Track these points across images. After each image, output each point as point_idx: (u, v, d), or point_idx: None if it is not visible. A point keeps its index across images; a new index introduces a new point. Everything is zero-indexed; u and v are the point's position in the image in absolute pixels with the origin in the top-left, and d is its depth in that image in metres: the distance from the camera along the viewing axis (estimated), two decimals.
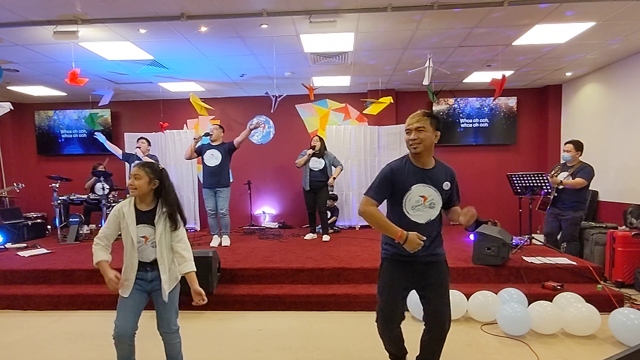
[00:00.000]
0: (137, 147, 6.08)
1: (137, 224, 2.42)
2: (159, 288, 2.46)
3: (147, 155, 5.97)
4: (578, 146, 4.89)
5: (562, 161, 5.06)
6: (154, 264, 2.46)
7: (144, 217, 2.43)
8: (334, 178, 6.03)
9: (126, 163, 6.50)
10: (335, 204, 7.02)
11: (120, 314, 2.50)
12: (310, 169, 5.92)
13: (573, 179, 4.73)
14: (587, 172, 4.72)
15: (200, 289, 2.45)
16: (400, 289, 2.43)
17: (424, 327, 2.46)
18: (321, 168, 5.92)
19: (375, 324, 2.55)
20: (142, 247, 2.43)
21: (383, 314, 2.47)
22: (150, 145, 6.13)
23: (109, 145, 6.24)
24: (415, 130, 2.27)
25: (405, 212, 2.32)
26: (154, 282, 2.48)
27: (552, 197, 4.87)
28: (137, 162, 2.77)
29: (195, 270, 2.47)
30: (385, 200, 2.40)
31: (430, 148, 2.31)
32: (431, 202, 2.30)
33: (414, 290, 2.49)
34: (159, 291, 2.46)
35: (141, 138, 6.08)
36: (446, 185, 2.32)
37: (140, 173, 2.41)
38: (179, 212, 2.50)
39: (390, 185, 2.34)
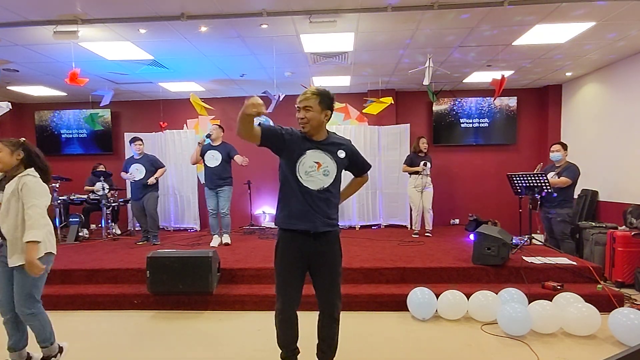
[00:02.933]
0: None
1: None
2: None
3: (143, 156, 5.91)
4: (565, 146, 5.09)
5: (554, 161, 5.13)
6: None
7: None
8: None
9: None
10: None
11: None
12: None
13: (559, 178, 4.85)
14: (572, 171, 4.86)
15: (36, 262, 2.36)
16: (295, 266, 2.34)
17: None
18: None
19: (275, 312, 2.46)
20: None
21: (281, 293, 2.39)
22: (142, 144, 5.97)
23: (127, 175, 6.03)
24: (303, 109, 2.25)
25: (298, 177, 2.27)
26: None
27: (539, 196, 4.92)
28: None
29: (32, 240, 2.36)
30: (279, 169, 2.36)
31: (320, 126, 2.28)
32: (325, 170, 2.28)
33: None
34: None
35: (138, 139, 5.95)
36: (340, 153, 2.31)
37: None
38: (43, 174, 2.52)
39: (281, 138, 2.26)
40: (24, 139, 2.63)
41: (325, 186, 2.28)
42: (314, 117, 2.24)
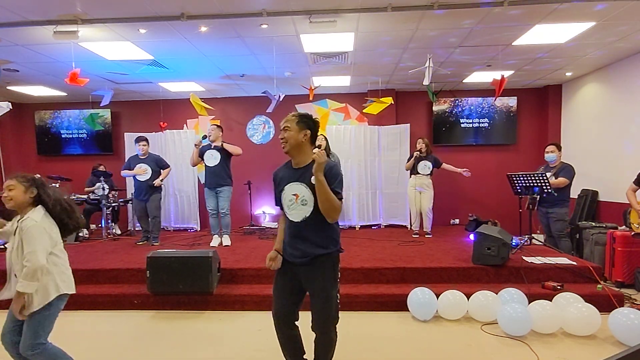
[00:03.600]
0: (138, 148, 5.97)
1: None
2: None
3: (149, 156, 5.90)
4: (559, 147, 5.17)
5: (549, 162, 5.18)
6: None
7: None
8: None
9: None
10: None
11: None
12: None
13: (556, 178, 4.91)
14: (568, 171, 4.94)
15: (20, 313, 2.20)
16: (285, 289, 2.42)
17: None
18: None
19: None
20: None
21: (273, 311, 2.47)
22: (148, 144, 5.95)
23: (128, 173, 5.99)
24: (282, 129, 2.34)
25: (286, 212, 2.38)
26: None
27: (538, 197, 4.95)
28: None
29: (20, 291, 2.19)
30: None
31: (299, 147, 2.32)
32: (302, 199, 2.29)
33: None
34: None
35: (141, 140, 5.91)
36: (314, 180, 2.25)
37: (13, 183, 2.29)
38: (67, 222, 2.37)
39: (276, 189, 2.46)
40: (38, 175, 2.47)
41: (307, 215, 2.29)
42: (291, 137, 2.30)
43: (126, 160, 6.14)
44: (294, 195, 2.32)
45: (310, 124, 2.35)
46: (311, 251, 2.30)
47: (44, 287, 2.30)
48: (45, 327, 2.33)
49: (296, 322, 2.47)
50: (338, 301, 2.38)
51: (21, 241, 2.25)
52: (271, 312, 2.46)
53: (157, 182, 5.74)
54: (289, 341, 2.49)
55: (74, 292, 2.45)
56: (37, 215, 2.30)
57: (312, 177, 2.25)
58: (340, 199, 2.27)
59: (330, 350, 2.42)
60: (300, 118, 2.33)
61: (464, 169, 6.10)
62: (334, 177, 2.26)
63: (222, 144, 5.51)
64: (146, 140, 5.93)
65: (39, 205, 2.35)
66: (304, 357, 2.53)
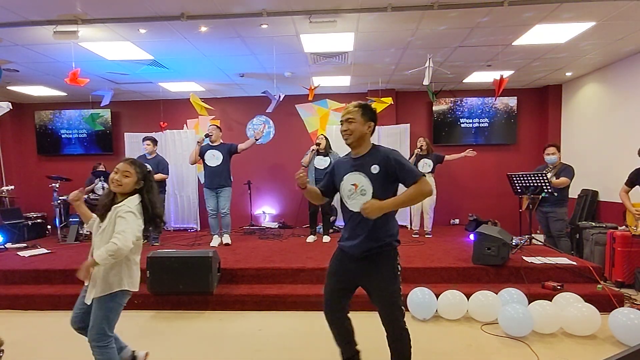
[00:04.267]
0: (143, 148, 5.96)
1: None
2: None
3: (155, 157, 5.88)
4: (559, 148, 5.21)
5: (549, 163, 5.18)
6: None
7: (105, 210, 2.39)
8: None
9: None
10: (333, 203, 7.01)
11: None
12: (316, 168, 5.78)
13: (557, 179, 4.94)
14: (569, 171, 4.98)
15: (90, 264, 2.19)
16: (337, 279, 2.43)
17: None
18: (326, 166, 5.78)
19: None
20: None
21: (324, 300, 2.49)
22: (156, 145, 5.96)
23: None
24: (346, 121, 2.31)
25: (345, 202, 2.39)
26: None
27: (539, 197, 4.97)
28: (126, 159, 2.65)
29: (96, 260, 2.19)
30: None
31: (363, 138, 2.32)
32: (362, 189, 2.29)
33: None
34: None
35: (147, 138, 5.92)
36: (374, 169, 2.25)
37: (130, 170, 2.36)
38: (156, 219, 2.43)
39: (331, 179, 2.48)
40: (150, 169, 2.53)
41: None
42: (356, 129, 2.29)
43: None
44: (352, 185, 2.31)
45: (373, 116, 2.34)
46: (372, 244, 2.28)
47: (113, 276, 2.33)
48: (109, 319, 2.37)
49: (345, 310, 2.48)
50: (401, 293, 2.33)
51: (114, 223, 2.28)
52: (323, 295, 2.52)
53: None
54: (340, 329, 2.50)
55: (137, 290, 2.47)
56: (133, 203, 2.36)
57: (372, 166, 2.26)
58: (418, 175, 2.21)
59: (407, 343, 2.36)
60: (364, 110, 2.31)
61: (468, 150, 6.12)
62: (405, 171, 2.23)
63: (237, 148, 5.58)
64: (151, 139, 5.92)
65: (136, 194, 2.40)
66: (356, 347, 2.56)
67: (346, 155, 2.47)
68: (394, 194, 2.29)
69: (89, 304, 2.35)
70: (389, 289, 2.29)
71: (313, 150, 5.78)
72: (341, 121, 2.35)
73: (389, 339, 2.37)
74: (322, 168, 5.79)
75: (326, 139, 5.98)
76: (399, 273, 2.34)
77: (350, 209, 2.34)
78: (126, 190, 2.37)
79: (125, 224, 2.25)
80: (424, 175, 2.24)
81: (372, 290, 2.35)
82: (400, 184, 2.32)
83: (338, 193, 2.48)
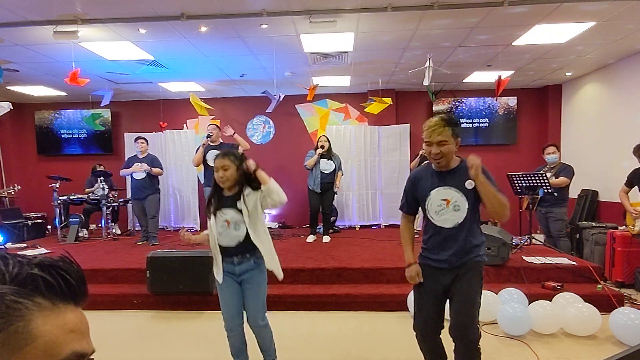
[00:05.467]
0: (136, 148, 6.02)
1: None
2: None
3: (147, 156, 5.93)
4: (558, 147, 5.26)
5: (549, 163, 5.20)
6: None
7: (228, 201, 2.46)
8: (338, 186, 5.88)
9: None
10: (334, 204, 7.00)
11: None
12: (321, 171, 5.75)
13: (556, 178, 4.95)
14: (568, 171, 5.00)
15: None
16: (431, 298, 2.33)
17: None
18: (331, 170, 5.77)
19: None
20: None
21: (415, 321, 2.40)
22: (147, 144, 6.05)
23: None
24: (437, 144, 2.14)
25: (430, 218, 2.27)
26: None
27: (539, 197, 4.97)
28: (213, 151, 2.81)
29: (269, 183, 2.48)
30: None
31: (453, 155, 2.22)
32: (455, 205, 2.20)
33: None
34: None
35: (139, 138, 6.00)
36: (469, 184, 2.18)
37: (226, 163, 2.43)
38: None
39: (412, 195, 2.37)
40: (242, 150, 2.64)
41: (459, 222, 2.20)
42: (449, 151, 2.17)
43: (126, 160, 6.16)
44: (443, 200, 2.21)
45: (459, 130, 2.24)
46: (462, 258, 2.22)
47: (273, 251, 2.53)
48: (265, 292, 2.56)
49: (442, 328, 2.38)
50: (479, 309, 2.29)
51: (254, 206, 2.44)
52: (413, 324, 2.41)
53: (136, 166, 5.73)
54: (436, 349, 2.40)
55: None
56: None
57: (466, 182, 2.17)
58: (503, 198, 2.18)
59: (476, 356, 2.27)
60: (454, 128, 2.18)
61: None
62: (488, 176, 2.18)
63: (234, 134, 5.59)
64: (144, 139, 5.98)
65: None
66: None
67: (425, 167, 2.36)
68: (478, 211, 2.25)
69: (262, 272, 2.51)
70: (473, 297, 2.23)
71: (319, 153, 5.75)
72: (428, 141, 2.18)
73: (459, 350, 2.28)
74: (328, 172, 5.77)
75: (328, 140, 5.96)
76: (482, 288, 2.31)
77: (439, 225, 2.24)
78: (233, 181, 2.44)
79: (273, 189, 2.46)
80: None
81: (455, 294, 2.26)
82: None
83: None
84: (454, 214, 2.21)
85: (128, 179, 6.19)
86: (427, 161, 2.39)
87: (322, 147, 5.76)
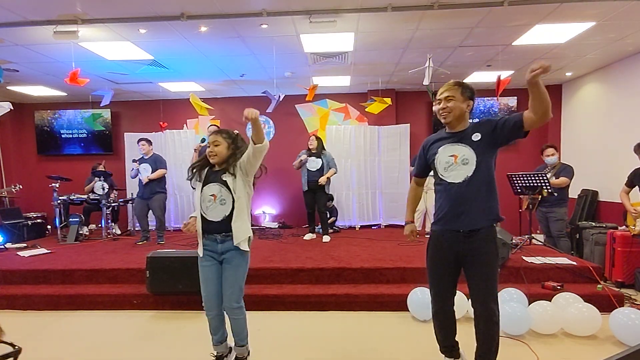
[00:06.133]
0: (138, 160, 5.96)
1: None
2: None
3: (152, 156, 5.91)
4: (557, 148, 5.25)
5: (549, 164, 5.19)
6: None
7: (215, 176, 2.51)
8: (327, 177, 5.82)
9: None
10: (334, 204, 7.01)
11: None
12: (308, 169, 5.87)
13: (556, 179, 4.95)
14: (568, 171, 5.00)
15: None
16: (444, 264, 2.36)
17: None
18: (318, 168, 5.85)
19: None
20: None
21: (431, 292, 2.45)
22: (151, 145, 6.05)
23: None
24: (445, 99, 2.24)
25: (441, 176, 2.32)
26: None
27: (539, 197, 4.97)
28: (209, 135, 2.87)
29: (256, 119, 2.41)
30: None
31: (462, 117, 2.27)
32: (463, 159, 2.23)
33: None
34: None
35: (140, 140, 5.98)
36: (475, 137, 2.22)
37: (218, 139, 2.48)
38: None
39: (424, 157, 2.44)
40: (237, 131, 2.65)
41: (469, 175, 2.22)
42: (456, 107, 2.23)
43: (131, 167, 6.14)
44: (451, 156, 2.26)
45: (472, 95, 2.28)
46: (476, 220, 2.22)
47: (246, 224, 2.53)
48: (245, 275, 2.59)
49: (454, 300, 2.43)
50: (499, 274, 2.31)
51: (240, 178, 2.48)
52: (429, 290, 2.45)
53: (144, 177, 5.74)
54: (448, 319, 2.46)
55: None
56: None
57: (473, 135, 2.21)
58: (520, 114, 2.19)
59: (496, 326, 2.31)
60: (464, 88, 2.25)
61: None
62: (503, 120, 2.21)
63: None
64: (146, 140, 5.97)
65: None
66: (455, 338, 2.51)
67: (438, 132, 2.43)
68: (494, 162, 2.28)
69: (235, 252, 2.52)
70: (492, 265, 2.25)
71: (301, 159, 5.87)
72: (438, 99, 2.27)
73: (479, 320, 2.31)
74: (314, 170, 5.83)
75: (318, 139, 6.00)
76: (499, 252, 2.33)
77: (450, 180, 2.25)
78: (222, 157, 2.49)
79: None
80: None
81: (473, 263, 2.27)
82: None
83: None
84: (463, 167, 2.24)
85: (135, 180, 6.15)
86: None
87: (310, 145, 5.89)
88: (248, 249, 2.54)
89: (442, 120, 2.29)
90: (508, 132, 2.18)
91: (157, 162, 5.89)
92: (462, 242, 2.27)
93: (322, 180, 5.78)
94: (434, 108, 2.34)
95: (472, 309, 2.33)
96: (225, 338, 2.70)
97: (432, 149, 2.35)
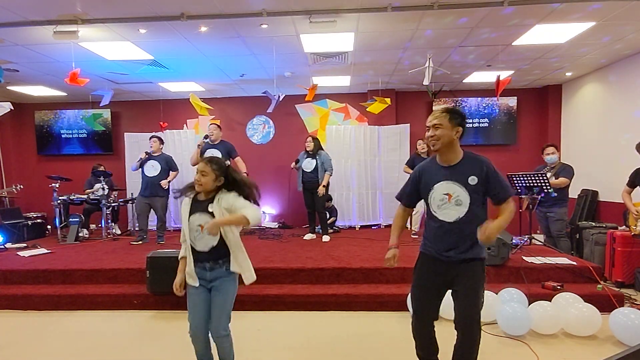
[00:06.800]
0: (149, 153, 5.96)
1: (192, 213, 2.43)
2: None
3: (161, 155, 5.91)
4: (557, 147, 5.23)
5: (549, 163, 5.18)
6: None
7: (201, 206, 2.43)
8: (324, 186, 5.79)
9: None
10: (333, 204, 7.01)
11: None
12: (303, 170, 5.93)
13: (556, 178, 4.93)
14: (568, 171, 4.97)
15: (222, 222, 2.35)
16: (430, 286, 2.37)
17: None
18: (312, 169, 5.87)
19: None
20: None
21: (414, 309, 2.44)
22: (162, 144, 6.02)
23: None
24: (433, 127, 2.25)
25: (433, 212, 2.32)
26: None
27: (539, 197, 4.96)
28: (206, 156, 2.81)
29: (248, 215, 2.32)
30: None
31: (451, 144, 2.26)
32: (457, 199, 2.24)
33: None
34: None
35: (153, 136, 6.00)
36: (472, 180, 2.23)
37: (206, 169, 2.39)
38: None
39: (415, 186, 2.41)
40: (228, 163, 2.60)
41: (461, 216, 2.24)
42: (444, 134, 2.23)
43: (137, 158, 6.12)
44: (445, 194, 2.26)
45: (461, 120, 2.28)
46: (463, 253, 2.26)
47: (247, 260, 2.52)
48: (232, 302, 2.53)
49: (436, 319, 2.44)
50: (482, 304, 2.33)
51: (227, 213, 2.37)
52: (412, 310, 2.45)
53: (163, 182, 5.76)
54: (429, 340, 2.45)
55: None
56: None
57: (470, 177, 2.23)
58: (511, 193, 2.30)
59: (474, 351, 2.33)
60: (452, 115, 2.26)
61: None
62: (501, 187, 2.26)
63: (234, 156, 5.73)
64: (158, 138, 6.01)
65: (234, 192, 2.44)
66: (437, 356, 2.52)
67: (430, 160, 2.40)
68: (483, 204, 2.30)
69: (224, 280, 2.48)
70: (477, 292, 2.27)
71: (293, 166, 6.01)
72: (427, 127, 2.29)
73: (460, 343, 2.34)
74: (309, 170, 5.87)
75: (315, 140, 6.00)
76: (485, 284, 2.34)
77: (441, 218, 2.28)
78: (207, 188, 2.40)
79: (245, 202, 2.38)
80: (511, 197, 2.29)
81: (459, 290, 2.30)
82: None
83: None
84: (456, 208, 2.24)
85: (136, 179, 6.11)
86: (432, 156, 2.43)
87: (307, 146, 5.95)
88: (237, 271, 2.51)
89: (432, 148, 2.30)
90: (490, 197, 2.31)
91: (168, 163, 5.88)
92: (447, 271, 2.32)
93: (320, 191, 5.77)
94: (426, 134, 2.35)
95: (456, 330, 2.35)
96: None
97: (427, 182, 2.33)
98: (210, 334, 2.47)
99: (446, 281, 2.33)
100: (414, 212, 6.44)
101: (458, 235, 2.25)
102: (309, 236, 6.04)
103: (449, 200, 2.25)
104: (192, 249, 2.46)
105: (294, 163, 6.07)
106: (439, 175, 2.29)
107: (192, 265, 2.46)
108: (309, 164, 5.90)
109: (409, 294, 2.51)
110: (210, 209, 2.38)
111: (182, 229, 2.49)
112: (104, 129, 7.83)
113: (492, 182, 2.25)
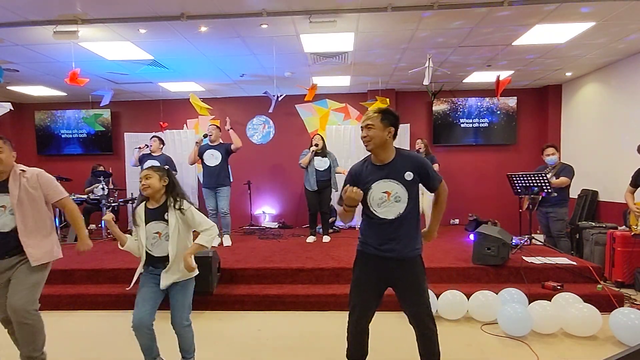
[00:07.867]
0: (149, 146, 6.02)
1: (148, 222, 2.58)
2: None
3: (161, 155, 5.93)
4: (557, 148, 5.24)
5: (549, 164, 5.18)
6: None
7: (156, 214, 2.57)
8: (343, 173, 5.68)
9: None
10: (332, 204, 7.00)
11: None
12: (316, 169, 5.74)
13: (557, 178, 4.93)
14: (569, 171, 4.97)
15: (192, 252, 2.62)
16: (370, 285, 2.39)
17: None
18: (326, 168, 5.77)
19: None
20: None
21: (351, 307, 2.44)
22: (162, 144, 6.06)
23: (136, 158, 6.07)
24: (365, 127, 2.30)
25: (373, 211, 2.33)
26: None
27: (540, 197, 4.97)
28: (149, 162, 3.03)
29: (203, 244, 2.62)
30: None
31: (384, 144, 2.30)
32: (396, 196, 2.29)
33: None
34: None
35: (154, 136, 6.03)
36: (408, 176, 2.28)
37: (150, 173, 2.56)
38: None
39: (357, 187, 2.39)
40: (167, 166, 2.78)
41: (401, 212, 2.29)
42: (376, 135, 2.27)
43: (140, 157, 6.13)
44: (384, 193, 2.29)
45: (393, 121, 2.32)
46: (405, 252, 2.30)
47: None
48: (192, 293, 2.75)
49: (371, 318, 2.46)
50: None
51: (182, 222, 2.58)
52: (349, 305, 2.45)
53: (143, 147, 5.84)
54: (362, 337, 2.47)
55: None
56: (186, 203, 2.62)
57: (405, 173, 2.27)
58: (440, 178, 2.39)
59: (436, 341, 2.39)
60: (384, 115, 2.30)
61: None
62: (432, 177, 2.34)
63: (230, 129, 5.65)
64: (159, 138, 6.03)
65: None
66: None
67: (363, 162, 2.43)
68: (417, 199, 2.35)
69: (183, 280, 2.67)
70: (422, 287, 2.33)
71: (312, 150, 5.74)
72: (361, 127, 2.33)
73: (419, 339, 2.40)
74: (323, 169, 5.77)
75: (322, 139, 5.95)
76: (426, 277, 2.39)
77: (382, 216, 2.30)
78: (155, 189, 2.55)
79: (200, 217, 2.61)
80: (441, 182, 2.40)
81: (405, 288, 2.35)
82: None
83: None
84: (396, 205, 2.29)
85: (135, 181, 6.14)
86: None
87: (317, 145, 5.74)
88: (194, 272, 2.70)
89: (366, 148, 2.34)
90: (426, 187, 2.40)
91: (168, 163, 5.85)
92: (390, 268, 2.34)
93: (342, 171, 5.72)
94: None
95: (414, 328, 2.40)
96: (159, 354, 2.76)
97: (364, 182, 2.33)
98: (173, 326, 2.68)
99: (386, 278, 2.37)
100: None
101: (397, 231, 2.29)
102: (311, 239, 5.98)
103: (389, 198, 2.29)
104: (148, 254, 2.61)
105: (306, 158, 5.71)
106: (375, 174, 2.33)
107: (148, 267, 2.65)
108: (322, 163, 5.76)
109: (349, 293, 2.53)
110: (166, 217, 2.54)
111: (137, 234, 2.62)
112: (104, 129, 7.83)
113: (427, 174, 2.33)
